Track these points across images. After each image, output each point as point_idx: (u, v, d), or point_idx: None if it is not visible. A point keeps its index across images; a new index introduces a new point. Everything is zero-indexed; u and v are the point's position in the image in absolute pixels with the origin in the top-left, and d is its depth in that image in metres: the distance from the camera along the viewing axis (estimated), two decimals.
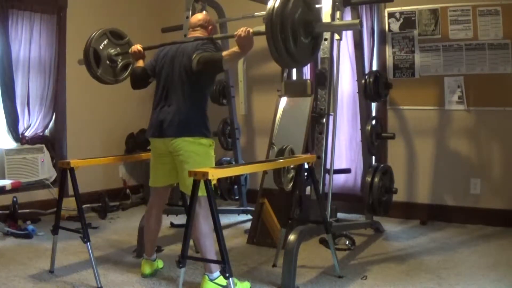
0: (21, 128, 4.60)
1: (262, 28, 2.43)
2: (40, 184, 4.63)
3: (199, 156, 2.74)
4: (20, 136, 4.59)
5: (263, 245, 3.66)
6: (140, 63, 3.06)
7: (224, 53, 2.65)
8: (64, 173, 2.98)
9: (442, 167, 4.42)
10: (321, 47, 3.22)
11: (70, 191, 3.12)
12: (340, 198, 4.50)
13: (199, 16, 3.07)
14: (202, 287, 2.68)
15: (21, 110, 4.59)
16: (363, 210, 4.01)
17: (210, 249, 2.68)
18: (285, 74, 4.58)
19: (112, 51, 3.35)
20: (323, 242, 3.61)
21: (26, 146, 4.59)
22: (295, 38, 2.41)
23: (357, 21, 2.61)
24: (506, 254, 3.40)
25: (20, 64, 4.55)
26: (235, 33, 2.59)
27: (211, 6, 4.22)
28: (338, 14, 3.29)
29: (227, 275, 2.32)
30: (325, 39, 3.25)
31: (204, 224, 2.70)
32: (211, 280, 2.66)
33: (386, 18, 4.51)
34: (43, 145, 4.70)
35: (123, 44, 3.42)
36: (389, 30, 4.51)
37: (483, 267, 3.13)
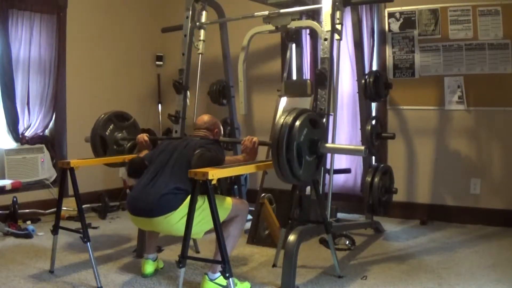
0: (21, 128, 4.60)
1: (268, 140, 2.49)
2: (40, 184, 4.64)
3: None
4: (20, 136, 4.59)
5: (263, 245, 3.66)
6: (144, 153, 3.06)
7: (227, 158, 2.70)
8: (64, 173, 2.98)
9: (442, 167, 4.42)
10: (321, 47, 3.22)
11: (70, 191, 3.12)
12: (340, 198, 4.51)
13: (205, 119, 3.08)
14: (202, 287, 2.68)
15: (21, 110, 4.59)
16: (363, 210, 4.01)
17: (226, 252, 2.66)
18: (285, 74, 4.59)
19: (118, 135, 3.42)
20: (323, 242, 3.61)
21: (26, 146, 4.59)
22: (300, 160, 2.46)
23: (362, 148, 2.62)
24: (506, 254, 3.40)
25: (20, 64, 4.55)
26: (242, 142, 2.69)
27: (211, 6, 4.21)
28: (338, 14, 3.29)
29: (227, 275, 2.32)
30: (325, 39, 3.25)
31: (237, 227, 2.76)
32: (211, 280, 2.67)
33: (386, 18, 4.51)
34: (43, 145, 4.71)
35: (128, 126, 3.49)
36: (389, 30, 4.52)
37: (483, 267, 3.13)
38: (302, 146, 2.46)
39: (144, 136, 3.17)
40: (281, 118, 2.46)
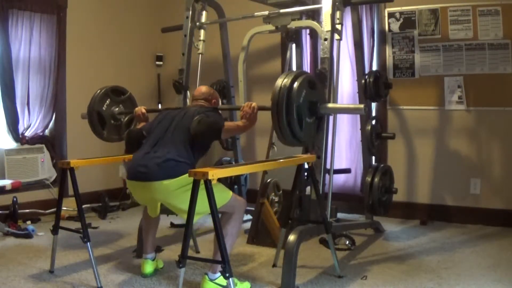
0: (21, 128, 4.60)
1: (268, 104, 2.47)
2: (40, 184, 4.64)
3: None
4: (20, 136, 4.59)
5: (263, 245, 3.66)
6: (141, 125, 3.06)
7: (226, 123, 2.68)
8: (64, 173, 2.98)
9: (442, 167, 4.42)
10: (321, 47, 3.22)
11: (70, 191, 3.12)
12: (340, 198, 4.50)
13: (202, 89, 3.08)
14: (202, 287, 2.68)
15: (21, 110, 4.59)
16: (363, 210, 4.01)
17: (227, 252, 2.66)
18: None
19: (115, 110, 3.41)
20: (323, 242, 3.61)
21: (26, 146, 4.59)
22: (300, 122, 2.45)
23: (361, 106, 2.62)
24: (506, 254, 3.40)
25: (20, 64, 4.55)
26: (241, 109, 2.65)
27: (211, 6, 4.21)
28: (338, 14, 3.29)
29: (227, 275, 2.32)
30: (325, 39, 3.25)
31: (234, 225, 2.74)
32: (211, 280, 2.66)
33: (386, 18, 4.51)
34: (43, 145, 4.71)
35: (124, 100, 3.48)
36: (389, 30, 4.52)
37: (483, 267, 3.13)
38: (302, 107, 2.44)
39: (141, 109, 3.14)
40: (279, 80, 2.43)
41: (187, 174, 2.51)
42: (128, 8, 5.48)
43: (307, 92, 2.47)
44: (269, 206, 3.75)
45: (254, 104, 2.69)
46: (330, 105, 2.67)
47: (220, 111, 3.04)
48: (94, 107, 3.33)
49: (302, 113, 2.45)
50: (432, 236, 3.92)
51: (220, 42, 4.46)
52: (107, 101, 3.40)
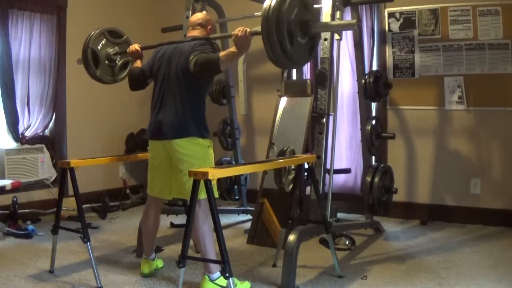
0: (21, 128, 4.60)
1: (260, 28, 2.40)
2: (40, 184, 4.63)
3: (197, 158, 2.73)
4: (20, 136, 4.59)
5: (263, 245, 3.66)
6: (138, 63, 3.04)
7: (221, 53, 2.63)
8: (64, 173, 2.98)
9: (442, 167, 4.42)
10: (321, 47, 3.22)
11: (70, 191, 3.12)
12: (340, 198, 4.50)
13: (199, 15, 3.05)
14: (202, 287, 2.68)
15: (21, 110, 4.58)
16: (363, 210, 4.01)
17: (210, 249, 2.68)
18: (285, 74, 4.59)
19: (110, 50, 3.34)
20: (323, 242, 3.61)
21: (26, 146, 4.59)
22: (291, 39, 2.37)
23: (354, 21, 2.57)
24: (506, 254, 3.40)
25: (20, 64, 4.55)
26: (233, 32, 2.56)
27: (211, 6, 4.21)
28: (338, 14, 3.29)
29: (227, 275, 2.32)
30: (325, 39, 3.25)
31: (204, 224, 2.70)
32: (211, 281, 2.66)
33: (386, 18, 4.51)
34: (43, 145, 4.70)
35: (121, 43, 3.42)
36: (389, 30, 4.51)
37: (483, 267, 3.13)
38: (293, 25, 2.37)
39: (135, 46, 3.09)
40: None
41: (200, 139, 2.75)
42: (128, 8, 5.48)
43: (299, 10, 2.39)
44: (269, 206, 3.75)
45: (247, 28, 2.60)
46: (322, 23, 2.58)
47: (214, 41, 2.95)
48: (89, 44, 3.25)
49: (294, 31, 2.37)
50: (432, 236, 3.92)
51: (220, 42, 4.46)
52: (103, 41, 3.32)
